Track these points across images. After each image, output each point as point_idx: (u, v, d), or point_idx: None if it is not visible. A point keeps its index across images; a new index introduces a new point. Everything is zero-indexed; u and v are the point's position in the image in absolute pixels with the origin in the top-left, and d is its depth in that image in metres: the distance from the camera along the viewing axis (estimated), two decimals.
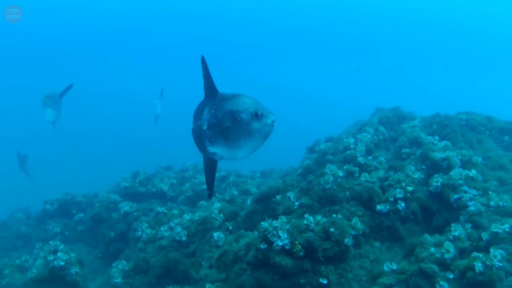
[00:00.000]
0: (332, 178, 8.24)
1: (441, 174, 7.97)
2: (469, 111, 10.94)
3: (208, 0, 66.90)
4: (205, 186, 12.77)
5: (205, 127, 4.09)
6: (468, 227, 7.06)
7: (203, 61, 4.24)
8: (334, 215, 7.45)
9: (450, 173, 7.82)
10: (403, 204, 7.55)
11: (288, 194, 8.52)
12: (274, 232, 6.83)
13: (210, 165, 4.39)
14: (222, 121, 3.90)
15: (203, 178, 13.24)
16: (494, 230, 6.69)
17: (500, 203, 7.34)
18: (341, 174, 8.40)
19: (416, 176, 8.13)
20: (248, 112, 3.82)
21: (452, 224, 7.12)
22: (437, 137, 9.49)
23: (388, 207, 7.56)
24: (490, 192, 7.65)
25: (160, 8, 66.53)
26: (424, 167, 8.46)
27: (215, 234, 8.48)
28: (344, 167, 8.64)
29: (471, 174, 7.91)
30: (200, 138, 4.22)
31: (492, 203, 7.41)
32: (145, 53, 63.53)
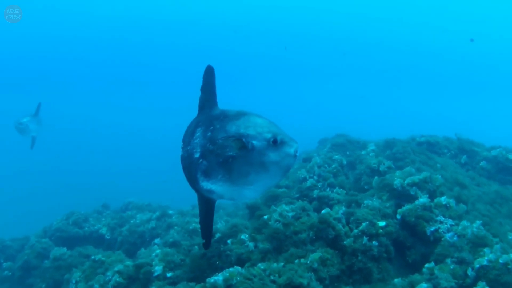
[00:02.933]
0: (289, 215, 7.23)
1: (412, 203, 7.16)
2: (426, 134, 10.40)
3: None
4: (146, 228, 11.64)
5: (197, 155, 3.07)
6: (449, 263, 6.20)
7: (210, 70, 3.31)
8: (298, 261, 6.38)
9: (421, 202, 7.02)
10: (375, 242, 6.61)
11: (242, 236, 7.39)
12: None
13: (205, 205, 3.27)
14: (223, 148, 2.91)
15: (144, 217, 12.24)
16: (480, 265, 5.87)
17: (477, 232, 6.56)
18: (299, 211, 7.41)
19: (384, 207, 7.26)
20: (263, 138, 2.85)
21: (426, 264, 6.25)
22: (399, 163, 8.76)
23: (358, 247, 6.58)
24: (464, 222, 6.87)
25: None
26: (391, 196, 7.63)
27: None
28: (298, 203, 7.69)
29: (444, 202, 7.13)
30: (190, 169, 3.16)
31: (468, 233, 6.63)
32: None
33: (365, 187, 8.62)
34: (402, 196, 7.56)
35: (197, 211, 13.15)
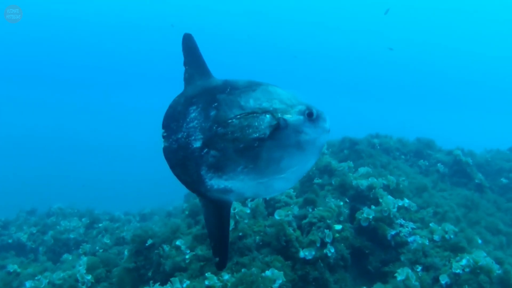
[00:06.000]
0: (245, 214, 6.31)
1: (369, 206, 6.41)
2: (380, 133, 9.83)
3: None
4: (71, 235, 10.83)
5: (197, 144, 2.22)
6: (418, 270, 5.47)
7: (188, 39, 2.50)
8: (244, 270, 5.41)
9: (383, 204, 6.29)
10: (331, 248, 5.75)
11: (177, 242, 6.33)
12: None
13: (217, 212, 2.30)
14: (243, 129, 2.20)
15: (70, 225, 11.32)
16: (455, 271, 5.16)
17: (447, 236, 5.89)
18: (247, 212, 6.48)
19: (340, 210, 6.43)
20: (298, 112, 2.26)
21: (399, 269, 5.47)
22: (357, 163, 8.06)
23: (313, 253, 5.69)
24: (431, 225, 6.21)
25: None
26: (347, 199, 6.83)
27: None
28: (253, 202, 6.73)
29: (406, 204, 6.44)
30: (187, 165, 2.25)
31: (436, 237, 5.95)
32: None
33: (315, 187, 7.84)
34: (359, 198, 6.82)
35: (130, 217, 12.03)
